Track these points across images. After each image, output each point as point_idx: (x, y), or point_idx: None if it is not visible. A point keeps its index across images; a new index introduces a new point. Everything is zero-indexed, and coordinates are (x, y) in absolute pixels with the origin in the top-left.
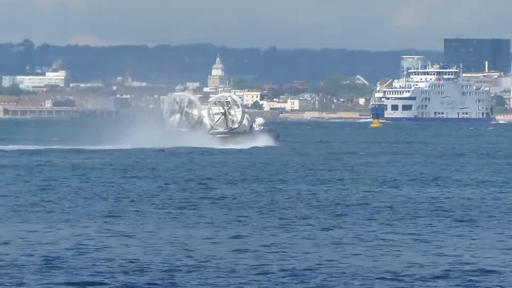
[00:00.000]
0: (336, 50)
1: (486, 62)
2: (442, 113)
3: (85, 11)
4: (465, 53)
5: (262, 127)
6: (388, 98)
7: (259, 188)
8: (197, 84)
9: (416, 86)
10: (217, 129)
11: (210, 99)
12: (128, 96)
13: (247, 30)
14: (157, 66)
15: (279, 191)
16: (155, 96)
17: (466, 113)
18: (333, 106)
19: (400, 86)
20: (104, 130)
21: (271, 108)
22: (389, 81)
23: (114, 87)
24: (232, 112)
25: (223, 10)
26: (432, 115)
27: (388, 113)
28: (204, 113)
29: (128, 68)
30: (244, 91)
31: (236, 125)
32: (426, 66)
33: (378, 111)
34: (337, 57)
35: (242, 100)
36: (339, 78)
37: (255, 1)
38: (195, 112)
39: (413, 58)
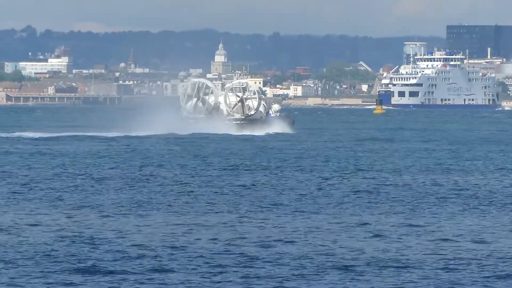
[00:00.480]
0: (339, 37)
1: (489, 49)
2: (449, 100)
3: None
4: (467, 40)
5: (278, 114)
6: (395, 85)
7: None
8: (200, 70)
9: (423, 73)
10: (233, 116)
11: (226, 86)
12: (131, 82)
13: (250, 16)
14: (160, 52)
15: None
16: (158, 82)
17: (472, 100)
18: (336, 92)
19: (406, 72)
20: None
21: (274, 95)
22: (395, 67)
23: (117, 73)
24: (248, 98)
25: None
26: (439, 102)
27: (395, 100)
28: (221, 99)
29: (130, 54)
30: (247, 77)
31: (252, 112)
32: (432, 52)
33: (384, 98)
34: (339, 43)
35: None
36: (341, 64)
37: None
38: (211, 98)
39: (415, 44)
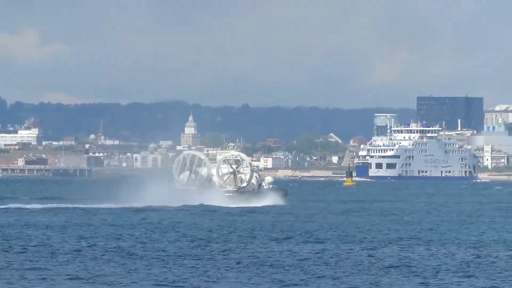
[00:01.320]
0: (309, 108)
1: (459, 120)
2: (426, 172)
3: (58, 68)
4: (438, 111)
5: (271, 186)
6: (372, 157)
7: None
8: (170, 142)
9: (400, 145)
10: (226, 188)
11: (218, 158)
12: (101, 154)
13: (220, 88)
14: (130, 124)
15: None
16: (128, 154)
17: (449, 172)
18: (306, 164)
19: (383, 144)
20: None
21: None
22: (372, 139)
23: (87, 145)
24: (241, 171)
25: (196, 68)
26: (416, 174)
27: (373, 172)
28: (213, 171)
29: (100, 126)
30: (218, 149)
31: (244, 184)
32: (408, 124)
33: (362, 169)
34: (310, 114)
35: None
36: (312, 136)
37: (228, 60)
38: (204, 170)
39: (386, 116)
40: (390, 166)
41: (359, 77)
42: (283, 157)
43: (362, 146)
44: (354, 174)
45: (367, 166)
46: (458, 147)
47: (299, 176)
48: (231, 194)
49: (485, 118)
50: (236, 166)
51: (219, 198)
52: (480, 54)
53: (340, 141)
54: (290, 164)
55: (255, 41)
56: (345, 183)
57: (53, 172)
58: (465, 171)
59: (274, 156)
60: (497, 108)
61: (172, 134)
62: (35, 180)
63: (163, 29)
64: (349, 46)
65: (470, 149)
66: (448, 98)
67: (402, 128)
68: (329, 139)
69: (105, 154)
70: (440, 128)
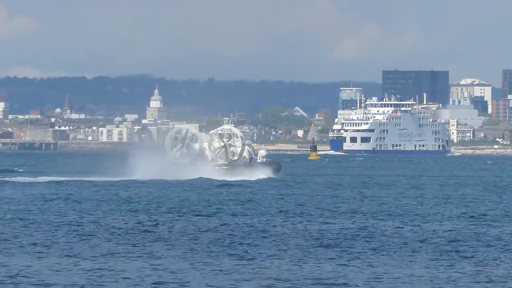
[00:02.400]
0: (275, 82)
1: (424, 94)
2: (400, 146)
3: (25, 42)
4: (403, 85)
5: (264, 159)
6: (346, 130)
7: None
8: (135, 116)
9: (374, 118)
10: (217, 161)
11: (211, 132)
12: (67, 127)
13: (186, 61)
14: (96, 98)
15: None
16: (94, 127)
17: (423, 146)
18: (271, 138)
19: (358, 118)
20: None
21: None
22: (347, 111)
23: (53, 119)
24: (232, 144)
25: (162, 42)
26: (390, 148)
27: (347, 145)
28: (206, 145)
29: (66, 100)
30: (183, 123)
31: (235, 157)
32: (383, 98)
33: (336, 143)
34: (275, 88)
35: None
36: (277, 110)
37: (194, 33)
38: (196, 144)
39: (351, 90)
40: (364, 140)
41: (325, 51)
42: (248, 131)
43: (336, 120)
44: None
45: (341, 140)
46: (432, 121)
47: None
48: (222, 167)
49: (451, 92)
50: (228, 140)
51: (210, 171)
52: (446, 29)
53: (305, 115)
54: (255, 138)
55: (221, 15)
56: (309, 157)
57: (19, 146)
58: (439, 145)
59: (239, 130)
60: (463, 82)
61: (138, 108)
62: (1, 153)
63: (129, 3)
64: (315, 20)
65: (444, 123)
66: (414, 72)
67: (376, 102)
68: (294, 113)
69: (71, 127)
70: (414, 102)
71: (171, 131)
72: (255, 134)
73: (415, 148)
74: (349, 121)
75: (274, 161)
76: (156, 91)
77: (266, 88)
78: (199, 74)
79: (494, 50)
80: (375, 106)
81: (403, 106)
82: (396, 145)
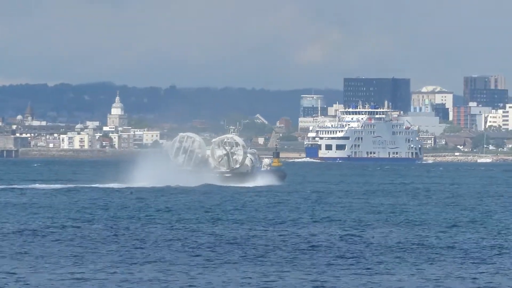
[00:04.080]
0: (236, 89)
1: (386, 102)
2: (374, 153)
3: None
4: (365, 92)
5: (269, 167)
6: (321, 138)
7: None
8: (97, 123)
9: (349, 126)
10: (219, 169)
11: (213, 140)
12: (28, 135)
13: (147, 69)
14: (57, 105)
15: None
16: (55, 135)
17: (396, 153)
18: None
19: (332, 125)
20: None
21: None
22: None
23: (14, 126)
24: (234, 152)
25: (123, 50)
26: (365, 155)
27: (322, 153)
28: (209, 153)
29: (27, 107)
30: (144, 130)
31: (237, 165)
32: (357, 105)
33: (312, 151)
34: (237, 96)
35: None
36: (239, 117)
37: (155, 40)
38: (199, 152)
39: (312, 97)
40: (339, 147)
41: (286, 58)
42: (209, 138)
43: (311, 127)
44: (303, 155)
45: (317, 147)
46: (405, 128)
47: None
48: (224, 175)
49: (412, 99)
50: (230, 148)
51: (212, 179)
52: (407, 36)
53: (266, 122)
54: None
55: (183, 22)
56: (272, 164)
57: None
58: (411, 153)
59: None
60: (424, 89)
61: (99, 115)
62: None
63: (90, 10)
64: (277, 28)
65: (416, 131)
66: (375, 79)
67: (350, 110)
68: (255, 120)
69: (32, 135)
70: (389, 110)
71: (174, 138)
72: None
73: (389, 156)
74: (324, 129)
75: (279, 168)
76: (117, 99)
77: (228, 95)
78: (161, 82)
79: (456, 57)
80: (349, 114)
81: (377, 114)
82: (371, 153)
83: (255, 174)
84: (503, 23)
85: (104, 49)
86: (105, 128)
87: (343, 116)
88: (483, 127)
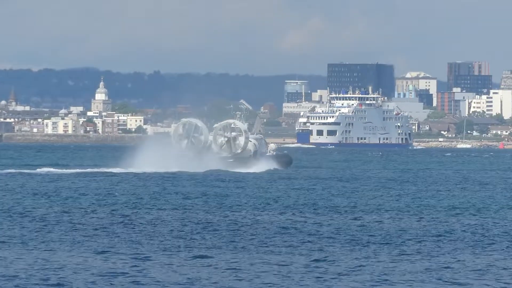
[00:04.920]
0: (220, 75)
1: (370, 87)
2: (364, 139)
3: None
4: (348, 78)
5: (274, 152)
6: (313, 123)
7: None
8: (81, 108)
9: (340, 112)
10: (222, 154)
11: (215, 126)
12: (12, 120)
13: (131, 54)
14: (41, 90)
15: None
16: (39, 120)
17: (387, 139)
18: None
19: (323, 111)
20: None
21: (154, 133)
22: (312, 106)
23: None
24: (236, 138)
25: (108, 35)
26: (355, 141)
27: (313, 138)
28: (211, 138)
29: (11, 92)
30: (128, 116)
31: (239, 150)
32: (347, 91)
33: (303, 136)
34: (220, 81)
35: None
36: (222, 103)
37: (139, 26)
38: (202, 137)
39: (296, 82)
40: (330, 133)
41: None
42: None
43: (301, 113)
44: (287, 140)
45: (308, 133)
46: (396, 114)
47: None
48: (228, 160)
49: (396, 85)
50: (232, 133)
51: (215, 164)
52: (391, 22)
53: (250, 107)
54: None
55: (167, 7)
56: None
57: None
58: (402, 138)
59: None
60: (408, 75)
61: (83, 100)
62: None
63: None
64: (260, 13)
65: (407, 116)
66: (359, 65)
67: (341, 96)
68: (239, 106)
69: (16, 120)
70: (379, 96)
71: (177, 124)
72: None
73: (379, 141)
74: (315, 114)
75: (285, 154)
76: (101, 84)
77: (211, 81)
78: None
79: (440, 43)
80: (340, 99)
81: (367, 100)
82: (361, 138)
83: (258, 159)
84: (487, 9)
85: (88, 34)
86: (89, 113)
87: (333, 101)
88: (467, 113)
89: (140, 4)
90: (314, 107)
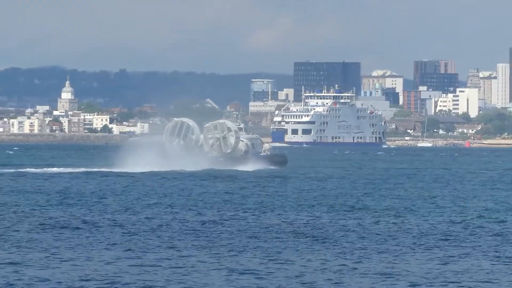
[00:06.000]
0: (186, 73)
1: (336, 85)
2: (339, 138)
3: None
4: (315, 77)
5: (268, 152)
6: (288, 123)
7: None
8: (47, 107)
9: (315, 111)
10: (212, 154)
11: (206, 125)
12: None
13: (97, 53)
14: (7, 89)
15: None
16: (5, 119)
17: (361, 138)
18: None
19: (297, 110)
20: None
21: (120, 132)
22: (285, 105)
23: None
24: (226, 137)
25: (74, 34)
26: (330, 140)
27: (288, 137)
28: (202, 137)
29: None
30: (94, 115)
31: (229, 150)
32: (321, 90)
33: (278, 135)
34: (186, 80)
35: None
36: (188, 102)
37: (106, 24)
38: (193, 136)
39: (263, 81)
40: (305, 132)
41: (238, 43)
42: (159, 122)
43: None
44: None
45: (283, 132)
46: (370, 113)
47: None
48: (219, 159)
49: (362, 83)
50: (222, 133)
51: (205, 163)
52: (358, 20)
53: (216, 106)
54: None
55: (133, 6)
56: None
57: None
58: (375, 137)
59: (150, 122)
60: (374, 74)
61: (49, 99)
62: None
63: None
64: (228, 12)
65: (380, 115)
66: (326, 63)
67: (316, 94)
68: (205, 105)
69: None
70: (353, 94)
71: (169, 123)
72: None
73: (353, 140)
74: (290, 113)
75: (279, 154)
76: (67, 83)
77: (177, 79)
78: (111, 66)
79: (406, 41)
80: (314, 98)
81: (342, 98)
82: (336, 137)
83: (248, 159)
84: (453, 8)
85: (55, 33)
86: (55, 113)
87: (307, 100)
88: (433, 111)
89: (107, 3)
90: (288, 106)
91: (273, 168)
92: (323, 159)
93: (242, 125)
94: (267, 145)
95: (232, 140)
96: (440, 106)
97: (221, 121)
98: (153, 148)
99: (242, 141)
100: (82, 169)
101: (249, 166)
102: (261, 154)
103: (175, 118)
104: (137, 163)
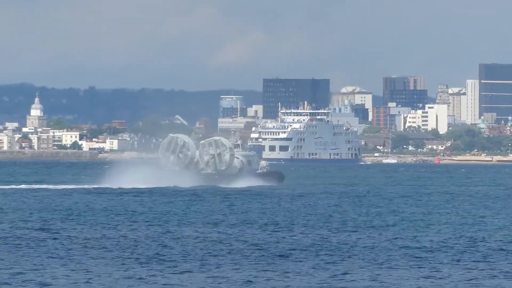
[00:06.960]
0: (154, 90)
1: (305, 102)
2: (316, 154)
3: None
4: (284, 93)
5: (265, 169)
6: (265, 139)
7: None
8: (16, 124)
9: (292, 127)
10: (206, 170)
11: (202, 142)
12: None
13: (66, 70)
14: None
15: None
16: None
17: (337, 154)
18: (152, 146)
19: (274, 126)
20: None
21: (90, 148)
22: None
23: None
24: (221, 154)
25: (43, 51)
26: (307, 156)
27: (266, 154)
28: (197, 154)
29: None
30: (63, 131)
31: (223, 167)
32: (298, 106)
33: (255, 152)
34: (155, 97)
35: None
36: (157, 118)
37: (74, 42)
38: (189, 153)
39: (232, 98)
40: (283, 148)
41: (206, 59)
42: (128, 139)
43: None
44: None
45: (261, 148)
46: (346, 129)
47: (146, 158)
48: (213, 176)
49: (332, 99)
50: (217, 150)
51: (196, 179)
52: (327, 36)
53: (185, 123)
54: (136, 146)
55: (101, 23)
56: None
57: None
58: (351, 154)
59: (119, 138)
60: (344, 90)
61: (18, 116)
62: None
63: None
64: (196, 28)
65: (356, 131)
66: (295, 80)
67: (292, 111)
68: (174, 121)
69: None
70: (329, 111)
71: (165, 139)
72: (135, 142)
73: (330, 157)
74: (266, 130)
75: (276, 171)
76: (36, 100)
77: (146, 96)
78: (80, 83)
79: (375, 58)
80: (291, 115)
81: (318, 115)
82: (312, 154)
83: (242, 176)
84: (423, 24)
85: (23, 50)
86: (24, 129)
87: (284, 117)
88: (402, 127)
89: (75, 20)
90: (264, 123)
91: (271, 185)
92: (317, 175)
93: (239, 142)
94: (264, 162)
95: (227, 157)
96: (410, 122)
97: (216, 138)
98: (147, 165)
99: (237, 158)
100: (80, 186)
101: (243, 183)
102: (258, 172)
103: (171, 134)
104: (128, 179)
